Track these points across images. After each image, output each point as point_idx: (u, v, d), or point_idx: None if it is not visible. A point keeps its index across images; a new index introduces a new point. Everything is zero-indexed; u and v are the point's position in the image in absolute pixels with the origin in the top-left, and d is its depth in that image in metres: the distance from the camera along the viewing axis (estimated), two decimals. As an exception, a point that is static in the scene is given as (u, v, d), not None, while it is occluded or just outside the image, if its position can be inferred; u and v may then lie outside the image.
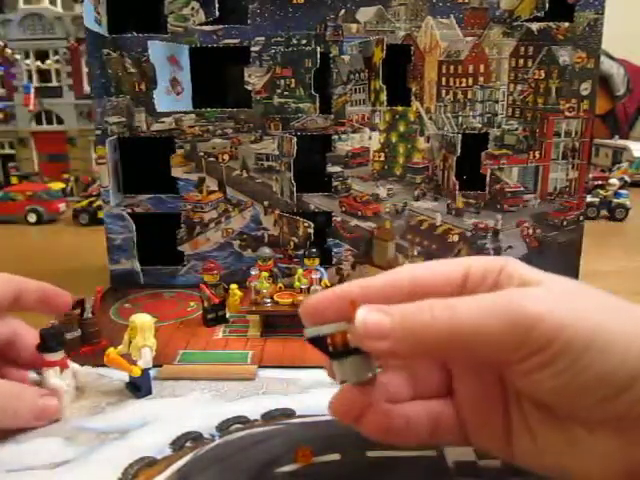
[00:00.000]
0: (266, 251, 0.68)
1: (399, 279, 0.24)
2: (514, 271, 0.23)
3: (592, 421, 0.20)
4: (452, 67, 0.72)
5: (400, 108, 0.73)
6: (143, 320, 0.48)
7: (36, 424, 0.42)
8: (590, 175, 0.92)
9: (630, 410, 0.19)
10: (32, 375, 0.47)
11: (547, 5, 0.69)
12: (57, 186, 1.42)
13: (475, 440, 0.26)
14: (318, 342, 0.26)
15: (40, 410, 0.42)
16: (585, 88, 0.72)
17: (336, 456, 0.38)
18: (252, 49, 0.72)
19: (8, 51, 1.48)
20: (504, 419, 0.24)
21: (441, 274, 0.23)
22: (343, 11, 0.71)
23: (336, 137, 0.74)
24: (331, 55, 0.72)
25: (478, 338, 0.20)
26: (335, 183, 0.75)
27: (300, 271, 0.64)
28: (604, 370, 0.19)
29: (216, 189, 0.76)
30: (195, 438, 0.41)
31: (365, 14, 0.71)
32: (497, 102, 0.73)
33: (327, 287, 0.67)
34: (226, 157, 0.75)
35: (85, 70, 1.49)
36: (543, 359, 0.19)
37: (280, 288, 0.64)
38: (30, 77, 1.53)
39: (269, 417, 0.44)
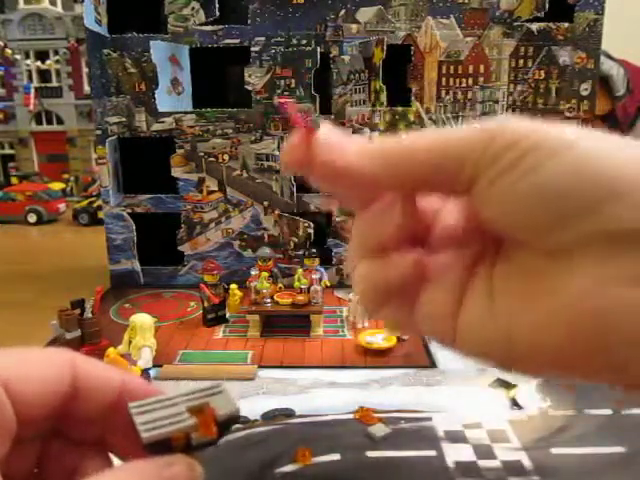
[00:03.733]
0: (266, 251, 0.68)
1: None
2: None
3: (572, 242, 0.16)
4: (452, 67, 0.72)
5: (400, 108, 0.73)
6: (143, 320, 0.48)
7: None
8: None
9: (618, 225, 0.16)
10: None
11: (547, 5, 0.69)
12: (57, 186, 1.43)
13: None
14: (156, 447, 0.21)
15: None
16: (585, 88, 0.72)
17: (336, 456, 0.38)
18: (252, 49, 0.72)
19: (8, 51, 1.48)
20: (461, 283, 0.20)
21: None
22: (343, 11, 0.71)
23: (336, 137, 0.74)
24: (331, 55, 0.72)
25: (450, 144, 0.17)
26: (335, 183, 0.75)
27: (300, 271, 0.64)
28: (585, 171, 0.16)
29: (216, 189, 0.76)
30: (195, 438, 0.41)
31: (365, 14, 0.71)
32: (497, 102, 0.73)
33: (327, 287, 0.67)
34: (226, 157, 0.75)
35: (85, 70, 1.50)
36: (512, 155, 0.16)
37: (280, 288, 0.64)
38: (30, 77, 1.53)
39: (269, 417, 0.44)
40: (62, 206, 1.32)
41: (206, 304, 0.64)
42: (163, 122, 0.74)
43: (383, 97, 0.73)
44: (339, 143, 0.19)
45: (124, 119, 0.74)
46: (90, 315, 0.58)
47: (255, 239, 0.77)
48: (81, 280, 0.80)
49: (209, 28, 0.72)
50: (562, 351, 0.16)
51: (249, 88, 0.73)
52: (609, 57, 2.06)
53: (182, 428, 0.22)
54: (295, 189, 0.75)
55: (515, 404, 0.46)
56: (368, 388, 0.49)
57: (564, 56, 0.72)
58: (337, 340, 0.60)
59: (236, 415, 0.23)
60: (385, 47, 0.70)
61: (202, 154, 0.75)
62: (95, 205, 1.23)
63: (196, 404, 0.23)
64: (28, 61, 1.52)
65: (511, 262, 0.18)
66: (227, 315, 0.65)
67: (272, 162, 0.75)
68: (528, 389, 0.49)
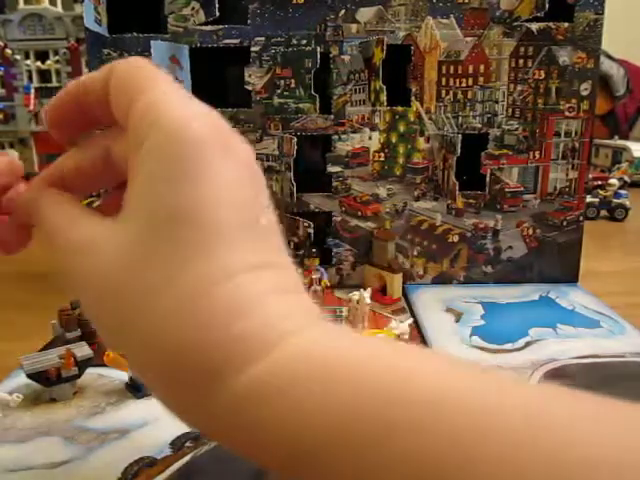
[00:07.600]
0: (266, 251, 0.67)
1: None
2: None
3: None
4: (452, 67, 0.72)
5: (400, 108, 0.73)
6: (143, 320, 0.48)
7: None
8: (590, 175, 0.92)
9: None
10: None
11: (547, 5, 0.69)
12: (57, 186, 1.42)
13: None
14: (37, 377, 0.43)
15: None
16: (585, 88, 0.72)
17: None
18: (252, 49, 0.72)
19: (8, 51, 1.48)
20: None
21: None
22: (343, 11, 0.71)
23: (336, 137, 0.74)
24: (331, 55, 0.72)
25: None
26: (335, 183, 0.75)
27: (300, 271, 0.64)
28: None
29: (216, 189, 0.76)
30: (195, 438, 0.41)
31: (365, 14, 0.71)
32: (497, 102, 0.73)
33: (327, 287, 0.67)
34: (226, 157, 0.75)
35: (85, 70, 1.50)
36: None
37: (280, 288, 0.64)
38: (30, 77, 1.53)
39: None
40: (62, 206, 1.32)
41: (206, 304, 0.63)
42: (163, 122, 0.74)
43: (383, 97, 0.73)
44: None
45: (124, 119, 0.74)
46: (90, 315, 0.58)
47: (255, 239, 0.77)
48: (81, 280, 0.79)
49: (209, 28, 0.72)
50: None
51: (249, 88, 0.73)
52: (609, 57, 2.06)
53: (53, 364, 0.43)
54: (295, 189, 0.75)
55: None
56: (368, 388, 0.49)
57: (564, 56, 0.72)
58: (337, 340, 0.59)
59: (89, 357, 0.46)
60: (385, 47, 0.70)
61: (202, 154, 0.75)
62: (95, 205, 1.23)
63: (63, 352, 0.44)
64: (28, 61, 1.51)
65: None
66: (227, 315, 0.65)
67: (272, 162, 0.75)
68: (528, 389, 0.49)
